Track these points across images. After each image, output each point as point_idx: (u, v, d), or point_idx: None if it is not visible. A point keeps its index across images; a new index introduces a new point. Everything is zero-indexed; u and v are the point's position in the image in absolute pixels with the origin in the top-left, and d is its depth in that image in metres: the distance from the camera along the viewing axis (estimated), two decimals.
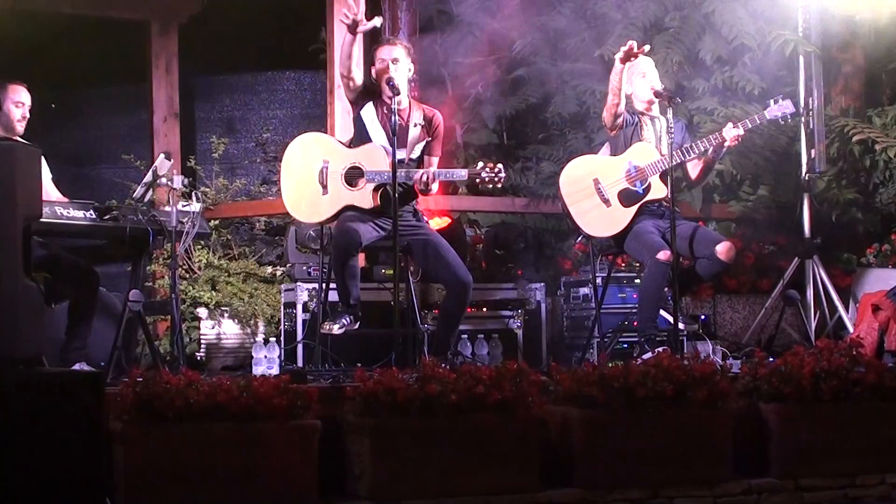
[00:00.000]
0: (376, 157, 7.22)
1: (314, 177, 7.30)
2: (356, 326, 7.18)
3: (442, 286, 8.14)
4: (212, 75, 11.57)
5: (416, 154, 7.35)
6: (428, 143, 7.42)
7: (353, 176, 7.25)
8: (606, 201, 7.66)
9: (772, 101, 7.85)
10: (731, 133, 7.65)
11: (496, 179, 7.15)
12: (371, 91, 7.39)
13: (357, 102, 7.39)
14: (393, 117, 6.94)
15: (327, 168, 7.28)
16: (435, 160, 7.42)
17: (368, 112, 7.34)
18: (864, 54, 10.14)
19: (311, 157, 7.34)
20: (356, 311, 7.18)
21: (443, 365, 6.08)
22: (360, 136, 7.36)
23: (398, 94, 7.03)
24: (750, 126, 7.76)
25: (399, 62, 7.32)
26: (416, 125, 7.35)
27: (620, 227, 7.64)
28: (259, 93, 11.50)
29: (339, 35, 9.12)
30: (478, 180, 7.19)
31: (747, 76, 9.51)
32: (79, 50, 10.73)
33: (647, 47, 7.51)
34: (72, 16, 10.48)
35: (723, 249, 7.56)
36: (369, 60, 7.48)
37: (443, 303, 7.56)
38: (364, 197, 7.21)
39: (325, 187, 7.29)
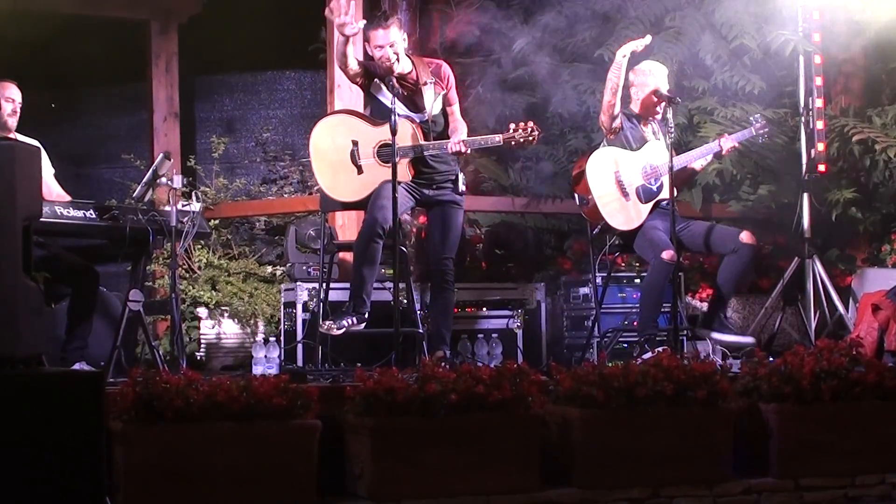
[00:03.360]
0: (404, 130, 7.17)
1: (346, 158, 7.24)
2: (362, 327, 7.14)
3: None
4: (211, 75, 11.58)
5: (436, 110, 7.31)
6: (444, 95, 7.39)
7: (386, 153, 7.21)
8: (626, 194, 7.69)
9: (752, 119, 8.27)
10: (727, 144, 7.96)
11: (531, 138, 7.18)
12: (371, 72, 7.36)
13: (366, 85, 7.36)
14: (393, 117, 6.91)
15: (357, 149, 7.25)
16: (455, 108, 7.41)
17: (378, 88, 7.31)
18: (864, 54, 10.14)
19: (340, 139, 7.29)
20: (362, 308, 7.11)
21: (442, 364, 6.08)
22: (382, 114, 7.26)
23: (397, 94, 7.01)
24: (741, 140, 8.11)
25: (396, 44, 7.22)
26: (426, 83, 7.31)
27: (637, 223, 7.69)
28: (259, 92, 11.51)
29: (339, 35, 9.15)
30: (513, 143, 7.23)
31: (747, 76, 9.51)
32: (79, 49, 10.71)
33: (648, 38, 7.57)
34: (71, 15, 10.47)
35: (746, 235, 7.68)
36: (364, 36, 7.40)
37: (430, 295, 7.55)
38: (401, 172, 7.16)
39: (359, 167, 7.25)
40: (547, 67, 10.25)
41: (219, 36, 10.96)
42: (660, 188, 7.74)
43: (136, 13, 10.79)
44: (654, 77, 7.85)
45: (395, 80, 7.08)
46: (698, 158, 7.97)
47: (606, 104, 7.67)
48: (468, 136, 7.33)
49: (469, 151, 7.28)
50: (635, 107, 7.90)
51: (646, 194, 7.73)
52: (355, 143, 7.25)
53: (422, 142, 7.18)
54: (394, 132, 6.90)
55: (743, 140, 8.19)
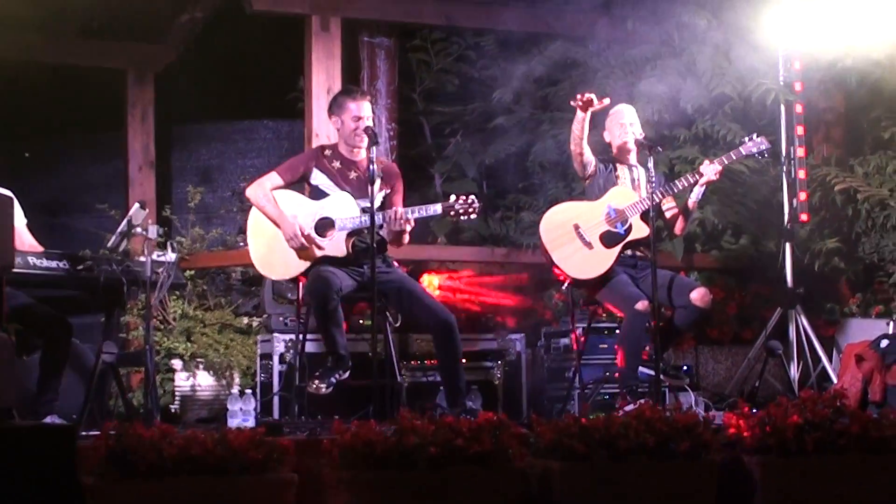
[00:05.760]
0: (345, 205, 7.23)
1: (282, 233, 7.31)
2: (347, 375, 7.15)
3: (422, 335, 8.15)
4: (188, 124, 11.59)
5: (377, 204, 7.33)
6: (388, 195, 7.44)
7: (324, 227, 7.25)
8: (588, 244, 7.66)
9: (747, 139, 7.92)
10: (710, 170, 7.73)
11: (470, 210, 7.17)
12: (304, 160, 7.46)
13: (302, 182, 7.46)
14: (371, 166, 6.93)
15: (296, 222, 7.27)
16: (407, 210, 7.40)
17: (318, 177, 7.39)
18: (845, 103, 10.20)
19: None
20: (345, 362, 7.14)
21: (430, 415, 6.05)
22: (318, 196, 7.40)
23: (377, 143, 7.06)
24: (726, 162, 7.82)
25: (370, 118, 7.37)
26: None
27: (605, 268, 7.64)
28: (236, 142, 11.51)
29: (318, 83, 9.20)
30: (452, 213, 7.20)
31: (728, 125, 9.57)
32: (53, 98, 10.73)
33: (606, 100, 7.55)
34: (46, 64, 10.48)
35: (697, 296, 7.61)
36: (331, 108, 7.51)
37: (435, 351, 7.52)
38: (337, 246, 7.21)
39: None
40: (526, 116, 10.32)
41: (195, 84, 10.98)
42: (627, 230, 7.69)
43: (111, 62, 10.80)
44: (626, 118, 7.87)
45: (372, 129, 7.14)
46: (671, 192, 7.86)
47: (574, 153, 7.72)
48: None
49: (413, 224, 7.29)
50: (613, 150, 7.93)
51: (610, 240, 7.70)
52: (294, 217, 7.29)
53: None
54: (372, 179, 6.92)
55: (732, 160, 7.95)
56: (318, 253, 7.22)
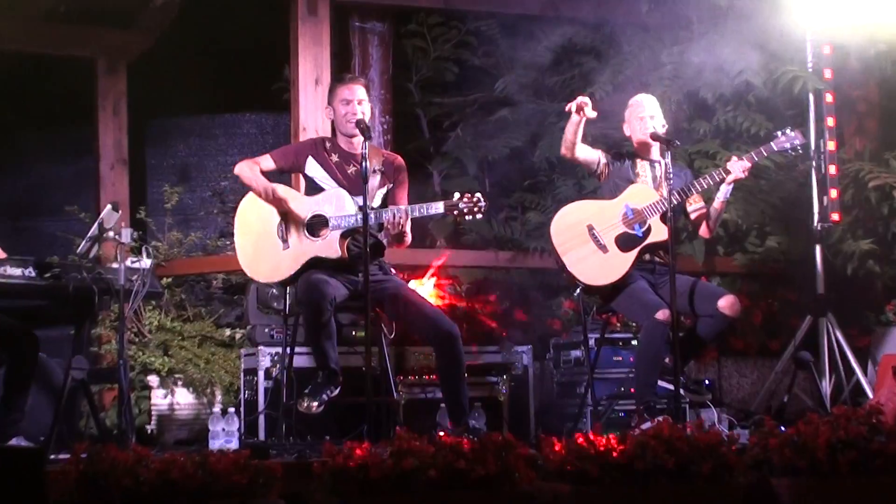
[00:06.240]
0: (341, 201, 7.24)
1: (272, 231, 7.31)
2: (337, 393, 7.15)
3: (420, 347, 8.15)
4: (164, 118, 11.60)
5: (377, 203, 7.36)
6: (390, 190, 7.45)
7: (317, 225, 7.26)
8: (603, 247, 7.67)
9: (779, 133, 7.87)
10: (737, 166, 7.71)
11: (476, 210, 7.15)
12: (301, 148, 7.50)
13: (293, 171, 7.50)
14: (364, 162, 6.94)
15: (287, 219, 7.28)
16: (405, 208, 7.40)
17: (313, 168, 7.42)
18: (879, 91, 10.21)
19: (268, 211, 7.36)
20: (337, 378, 7.15)
21: (441, 434, 6.06)
22: (313, 193, 7.43)
23: (370, 137, 7.06)
24: (756, 159, 7.79)
25: (364, 102, 7.38)
26: (375, 171, 7.36)
27: (620, 274, 7.64)
28: (216, 137, 11.53)
29: (305, 72, 9.20)
30: (455, 212, 7.16)
31: (752, 116, 9.58)
32: (17, 90, 10.74)
33: (594, 115, 7.57)
34: (8, 52, 10.48)
35: (726, 304, 7.60)
36: (328, 100, 7.55)
37: (436, 364, 7.52)
38: (330, 246, 7.20)
39: (285, 241, 7.29)
40: (532, 108, 10.32)
41: (172, 74, 10.99)
42: (646, 233, 7.70)
43: (80, 50, 10.80)
44: (646, 111, 7.87)
45: (365, 122, 7.15)
46: (697, 192, 7.86)
47: (567, 159, 7.76)
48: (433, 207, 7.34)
49: (408, 234, 7.31)
50: (633, 143, 7.94)
51: (626, 242, 7.70)
52: (283, 215, 7.29)
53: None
54: (365, 178, 6.93)
55: (763, 156, 7.92)
56: (310, 252, 7.21)
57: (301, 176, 7.51)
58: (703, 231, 7.99)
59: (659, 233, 7.64)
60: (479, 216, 7.20)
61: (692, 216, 7.95)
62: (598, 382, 8.22)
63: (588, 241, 7.70)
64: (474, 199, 7.14)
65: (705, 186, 7.75)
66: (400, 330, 7.74)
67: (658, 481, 5.98)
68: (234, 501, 5.53)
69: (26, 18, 10.31)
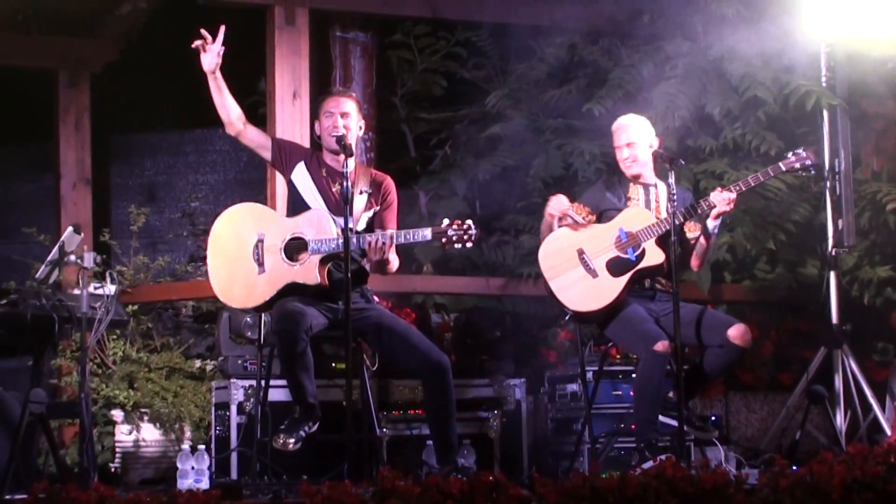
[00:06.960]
0: (321, 224, 7.22)
1: (248, 254, 7.28)
2: (315, 429, 7.10)
3: (405, 381, 8.15)
4: (130, 133, 11.61)
5: (361, 226, 7.33)
6: (377, 213, 7.44)
7: (295, 248, 7.23)
8: (593, 272, 7.67)
9: (790, 153, 7.86)
10: (721, 199, 7.66)
11: (465, 238, 7.08)
12: (297, 149, 7.49)
13: (282, 164, 7.45)
14: (345, 182, 6.93)
15: (263, 242, 7.27)
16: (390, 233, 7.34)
17: (300, 175, 7.38)
18: None
19: (244, 231, 7.33)
20: (315, 413, 7.11)
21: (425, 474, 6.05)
22: (294, 206, 7.39)
23: (351, 154, 7.04)
24: (762, 179, 7.78)
25: (350, 117, 7.36)
26: (361, 192, 7.35)
27: (610, 299, 7.63)
28: (186, 154, 11.54)
29: (282, 85, 9.22)
30: (444, 240, 7.09)
31: (762, 134, 9.58)
32: None
33: (580, 218, 7.68)
34: None
35: (737, 333, 7.59)
36: (314, 113, 7.57)
37: (424, 398, 7.51)
38: (308, 272, 7.17)
39: (261, 265, 7.27)
40: (526, 124, 10.32)
41: (139, 88, 10.99)
42: (640, 257, 7.69)
43: (40, 61, 10.78)
44: (623, 138, 7.88)
45: (346, 139, 7.14)
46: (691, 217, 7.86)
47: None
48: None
49: (393, 261, 7.28)
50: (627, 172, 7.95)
51: (618, 267, 7.70)
52: (261, 235, 7.28)
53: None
54: (347, 199, 6.92)
55: (769, 177, 7.89)
56: (286, 278, 7.19)
57: (285, 182, 7.49)
58: (693, 264, 7.97)
59: (653, 257, 7.64)
60: (468, 245, 7.10)
61: (687, 244, 7.91)
62: (597, 418, 8.22)
63: (577, 265, 7.71)
64: (464, 227, 7.05)
65: (697, 213, 7.70)
66: (383, 361, 7.72)
67: None
68: None
69: None
